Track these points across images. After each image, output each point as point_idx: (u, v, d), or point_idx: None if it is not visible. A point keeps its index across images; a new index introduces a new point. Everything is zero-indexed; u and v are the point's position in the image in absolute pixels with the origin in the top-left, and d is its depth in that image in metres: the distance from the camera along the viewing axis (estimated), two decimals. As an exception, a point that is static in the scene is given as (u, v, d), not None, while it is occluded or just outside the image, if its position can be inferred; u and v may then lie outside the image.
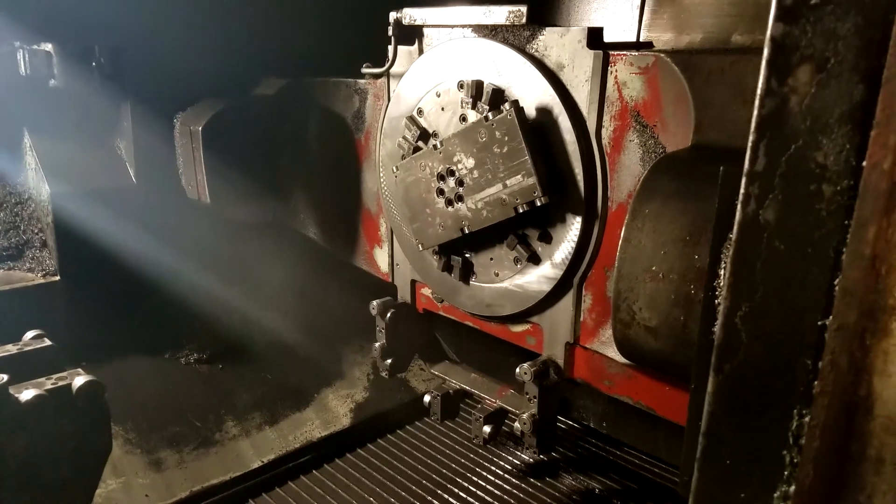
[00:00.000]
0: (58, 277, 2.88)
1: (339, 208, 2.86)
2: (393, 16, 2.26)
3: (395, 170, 2.24)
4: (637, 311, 1.57)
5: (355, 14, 3.10)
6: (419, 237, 2.26)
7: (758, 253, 0.90)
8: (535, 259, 2.05)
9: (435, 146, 2.08)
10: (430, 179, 2.12)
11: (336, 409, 2.91)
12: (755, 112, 0.86)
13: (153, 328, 3.04)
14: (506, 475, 2.55)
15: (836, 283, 0.84)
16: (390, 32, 2.30)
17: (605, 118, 1.84)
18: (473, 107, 2.02)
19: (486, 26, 2.03)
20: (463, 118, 2.09)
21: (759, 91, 0.84)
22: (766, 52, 0.83)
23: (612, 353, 1.89)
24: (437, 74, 2.14)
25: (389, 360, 2.59)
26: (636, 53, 1.75)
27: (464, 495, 2.43)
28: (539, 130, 1.89)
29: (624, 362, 1.86)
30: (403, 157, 2.25)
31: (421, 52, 2.27)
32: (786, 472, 0.90)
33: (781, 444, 0.91)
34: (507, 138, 1.87)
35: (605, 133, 1.85)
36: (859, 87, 0.78)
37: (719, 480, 0.98)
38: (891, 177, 0.78)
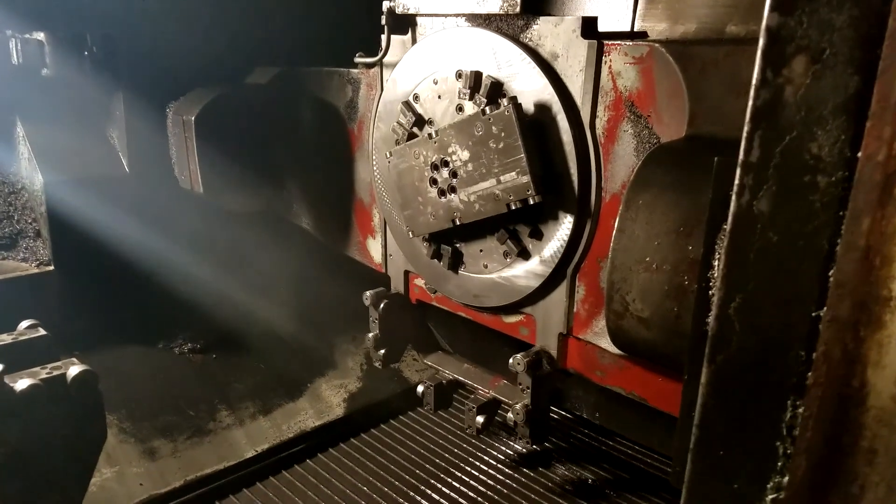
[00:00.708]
0: (52, 267, 2.87)
1: (332, 198, 2.85)
2: (386, 4, 2.25)
3: (388, 155, 2.23)
4: (630, 302, 1.57)
5: (348, 3, 3.07)
6: (410, 224, 2.25)
7: (752, 244, 0.90)
8: (524, 254, 2.06)
9: (430, 135, 2.08)
10: (423, 168, 2.12)
11: (329, 398, 2.91)
12: (750, 103, 0.85)
13: (147, 318, 3.04)
14: (499, 465, 2.56)
15: (829, 274, 0.84)
16: (383, 21, 2.28)
17: (600, 108, 1.83)
18: (471, 98, 2.01)
19: (480, 15, 2.02)
20: (459, 108, 2.08)
21: (754, 82, 0.84)
22: (761, 42, 0.83)
23: (605, 343, 1.90)
24: (435, 62, 2.12)
25: (383, 351, 2.60)
26: (630, 43, 1.74)
27: (457, 485, 2.44)
28: (536, 127, 1.89)
29: (617, 353, 1.87)
30: (397, 143, 2.24)
31: (414, 41, 2.25)
32: (779, 464, 0.91)
33: (774, 436, 0.91)
34: (503, 134, 1.86)
35: (600, 123, 1.84)
36: (854, 79, 0.77)
37: (712, 471, 0.99)
38: (885, 168, 0.78)
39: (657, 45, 1.69)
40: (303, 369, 3.04)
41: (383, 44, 2.33)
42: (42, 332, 1.70)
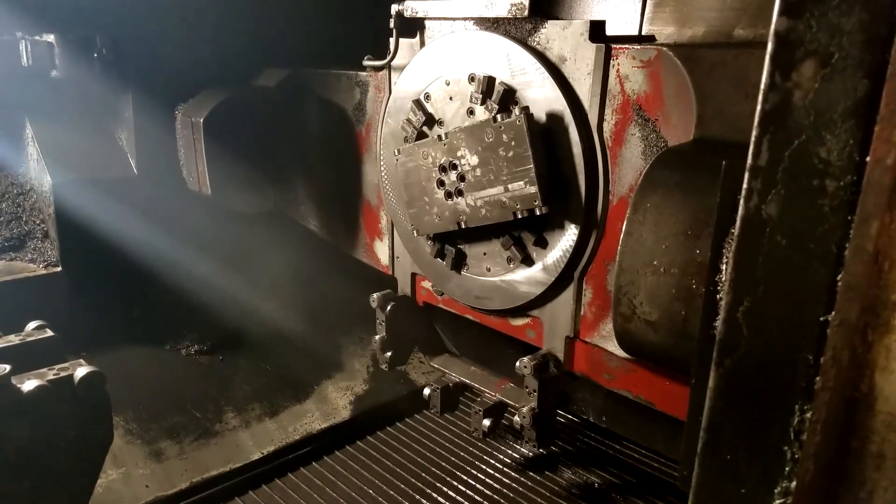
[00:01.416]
0: (59, 268, 2.88)
1: (339, 200, 2.86)
2: (395, 8, 2.26)
3: (396, 153, 2.23)
4: (638, 305, 1.57)
5: (357, 6, 3.08)
6: (415, 223, 2.26)
7: (760, 248, 0.90)
8: (528, 261, 2.06)
9: (440, 137, 2.08)
10: (431, 169, 2.12)
11: (336, 401, 2.92)
12: (759, 107, 0.85)
13: (154, 318, 3.05)
14: (505, 469, 2.55)
15: (838, 278, 0.83)
16: (392, 25, 2.29)
17: (607, 112, 1.83)
18: (482, 103, 2.01)
19: (488, 19, 2.02)
20: (470, 111, 2.07)
21: (762, 86, 0.84)
22: (770, 46, 0.82)
23: (613, 346, 1.89)
24: (448, 63, 2.11)
25: (389, 353, 2.60)
26: (638, 47, 1.74)
27: (463, 488, 2.44)
28: (546, 136, 1.89)
29: (624, 356, 1.86)
30: (406, 140, 2.24)
31: (423, 44, 2.26)
32: (786, 468, 0.90)
33: (782, 440, 0.91)
34: (513, 143, 1.86)
35: (607, 126, 1.84)
36: (863, 83, 0.77)
37: (719, 475, 0.99)
38: (894, 172, 0.78)
39: (665, 48, 1.69)
40: (309, 371, 3.04)
41: (391, 47, 2.33)
42: (49, 333, 1.71)
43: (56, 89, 2.98)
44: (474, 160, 1.98)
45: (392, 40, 2.32)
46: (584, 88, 1.85)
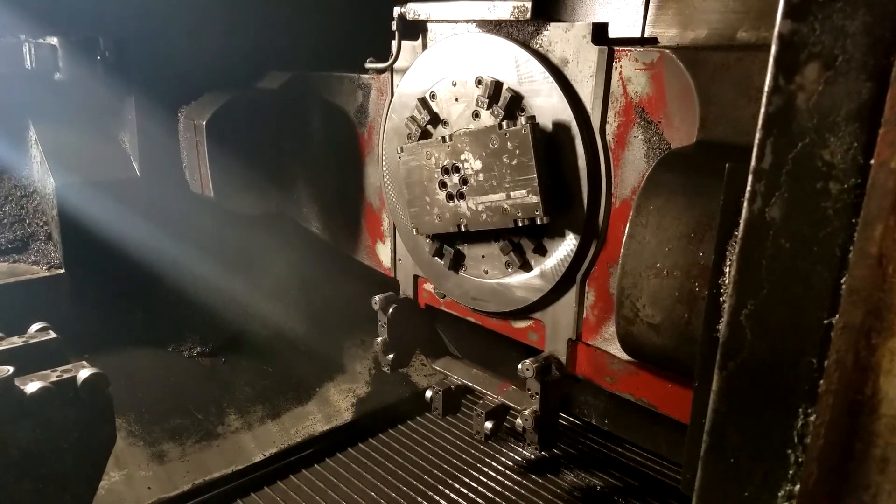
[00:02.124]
0: (62, 270, 2.89)
1: (341, 202, 2.86)
2: (397, 11, 2.26)
3: (399, 150, 2.23)
4: (640, 308, 1.57)
5: (359, 8, 3.09)
6: (415, 221, 2.26)
7: (764, 251, 0.90)
8: (526, 267, 2.06)
9: (444, 138, 2.08)
10: (433, 170, 2.12)
11: (338, 403, 2.91)
12: (762, 109, 0.85)
13: (157, 320, 3.05)
14: (507, 471, 2.55)
15: (842, 281, 0.83)
16: (394, 27, 2.29)
17: (610, 114, 1.83)
18: (488, 107, 2.01)
19: (490, 21, 2.02)
20: (476, 114, 2.07)
21: (766, 88, 0.84)
22: (773, 49, 0.82)
23: (615, 349, 1.89)
24: (456, 64, 2.11)
25: (391, 355, 2.60)
26: (641, 49, 1.74)
27: (465, 491, 2.44)
28: (551, 144, 1.89)
29: (626, 359, 1.86)
30: (410, 137, 2.24)
31: (425, 46, 2.26)
32: (790, 471, 0.90)
33: (786, 443, 0.91)
34: (518, 152, 1.87)
35: (610, 129, 1.84)
36: (867, 85, 0.77)
37: (723, 479, 0.98)
38: (898, 175, 0.78)
39: (667, 50, 1.69)
40: (312, 373, 3.04)
41: (394, 49, 2.33)
42: (52, 334, 1.71)
43: (59, 92, 2.99)
44: (477, 165, 1.98)
45: (394, 43, 2.32)
46: (587, 91, 1.85)
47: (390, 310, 2.54)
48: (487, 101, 2.00)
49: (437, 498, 2.41)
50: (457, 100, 2.13)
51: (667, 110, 1.71)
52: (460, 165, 2.04)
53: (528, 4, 1.86)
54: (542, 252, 2.01)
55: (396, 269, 2.64)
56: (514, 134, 1.87)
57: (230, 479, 2.45)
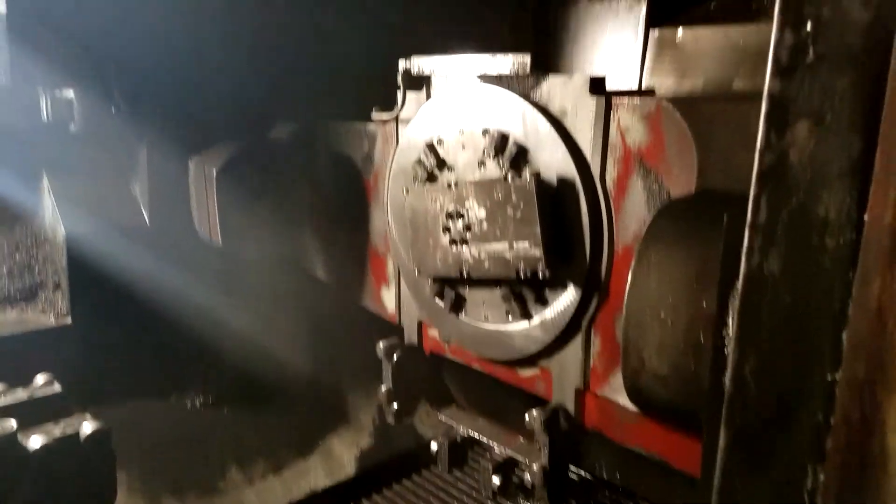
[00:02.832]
0: (69, 320, 2.91)
1: (346, 248, 2.88)
2: (402, 65, 2.32)
3: (405, 191, 2.25)
4: (647, 359, 1.55)
5: (365, 63, 3.17)
6: (418, 263, 2.26)
7: (763, 304, 0.90)
8: (527, 316, 2.05)
9: (450, 184, 2.10)
10: (438, 214, 2.13)
11: (341, 456, 2.88)
12: (755, 165, 0.86)
13: (161, 369, 3.05)
14: (516, 525, 2.49)
15: (843, 335, 0.83)
16: (399, 80, 2.35)
17: (609, 162, 1.85)
18: (494, 157, 2.04)
19: (491, 75, 2.07)
20: (482, 163, 2.09)
21: (758, 145, 0.85)
22: (763, 107, 0.84)
23: (624, 400, 1.86)
24: (463, 113, 2.14)
25: (395, 405, 2.57)
26: (638, 100, 1.77)
27: (473, 546, 2.38)
28: (554, 196, 1.91)
29: (636, 410, 1.83)
30: (416, 179, 2.27)
31: (428, 97, 2.31)
32: (799, 534, 0.88)
33: (797, 502, 0.89)
34: (522, 205, 1.88)
35: (609, 177, 1.86)
36: (857, 142, 0.78)
37: (731, 539, 0.96)
38: (893, 231, 0.78)
39: (665, 101, 1.72)
40: (315, 423, 3.02)
41: (399, 100, 2.39)
42: (57, 386, 1.72)
43: (74, 142, 3.05)
44: (482, 213, 2.00)
45: (399, 94, 2.38)
46: (586, 139, 1.87)
47: (395, 356, 2.53)
48: (494, 151, 2.03)
49: (443, 553, 2.35)
50: (463, 147, 2.16)
51: (665, 159, 1.73)
52: (465, 212, 2.06)
53: (528, 58, 1.91)
54: (543, 302, 2.01)
55: (401, 315, 2.64)
56: (518, 188, 1.89)
57: (232, 535, 2.40)
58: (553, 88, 1.92)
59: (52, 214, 3.01)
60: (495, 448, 2.34)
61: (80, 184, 3.07)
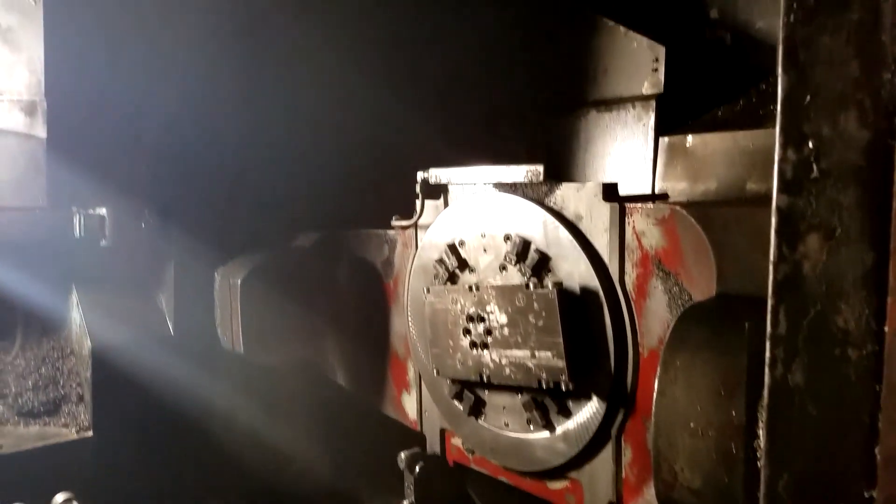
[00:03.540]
0: (90, 433, 2.89)
1: (367, 352, 2.88)
2: (420, 175, 2.41)
3: (426, 291, 2.26)
4: (679, 472, 1.49)
5: (386, 172, 3.30)
6: (437, 363, 2.24)
7: (791, 417, 0.87)
8: (549, 427, 2.01)
9: (471, 287, 2.11)
10: (458, 315, 2.13)
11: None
12: (770, 277, 0.87)
13: (181, 480, 2.98)
14: None
15: (875, 450, 0.80)
16: (418, 189, 2.44)
17: (627, 265, 1.86)
18: (516, 263, 2.06)
19: (506, 184, 2.14)
20: (503, 267, 2.11)
21: (771, 257, 0.86)
22: (773, 221, 0.86)
23: (658, 512, 1.77)
24: (485, 219, 2.17)
25: (420, 521, 2.46)
26: (651, 206, 1.80)
27: None
28: (576, 305, 1.91)
29: (671, 524, 1.73)
30: (436, 278, 2.28)
31: (446, 204, 2.38)
32: None
33: None
34: (544, 314, 1.89)
35: (629, 280, 1.87)
36: (869, 254, 0.79)
37: None
38: (916, 342, 0.77)
39: (678, 206, 1.75)
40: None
41: (418, 208, 2.47)
42: (76, 506, 1.69)
43: (103, 257, 3.16)
44: (503, 318, 2.00)
45: (418, 202, 2.46)
46: (603, 243, 1.90)
47: (416, 468, 2.45)
48: (515, 257, 2.06)
49: None
50: (485, 250, 2.18)
51: (684, 262, 1.74)
52: (486, 316, 2.06)
53: (541, 168, 1.98)
54: (566, 413, 1.96)
55: (423, 422, 2.58)
56: (540, 297, 1.90)
57: None
58: (567, 195, 1.98)
59: (79, 327, 3.07)
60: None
61: (107, 296, 3.15)
